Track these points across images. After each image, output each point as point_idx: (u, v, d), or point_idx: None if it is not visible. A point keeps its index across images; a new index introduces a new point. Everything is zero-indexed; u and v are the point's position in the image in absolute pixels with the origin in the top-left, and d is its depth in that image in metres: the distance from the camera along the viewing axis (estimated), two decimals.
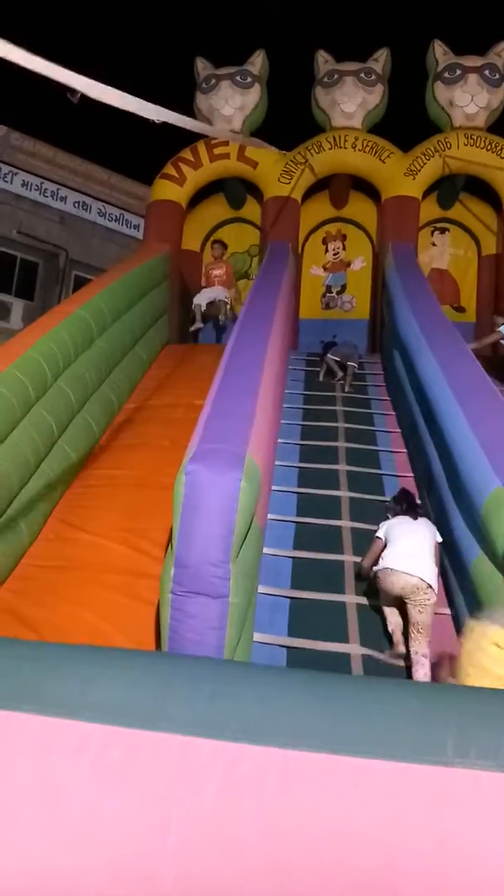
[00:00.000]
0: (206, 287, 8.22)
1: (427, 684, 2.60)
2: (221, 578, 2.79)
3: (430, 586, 3.36)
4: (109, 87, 3.31)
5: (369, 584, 3.71)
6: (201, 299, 7.97)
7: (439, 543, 3.57)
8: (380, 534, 3.63)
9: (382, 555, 3.50)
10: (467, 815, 1.16)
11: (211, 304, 8.00)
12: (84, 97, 3.43)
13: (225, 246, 8.74)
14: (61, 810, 1.21)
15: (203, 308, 7.93)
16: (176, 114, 4.05)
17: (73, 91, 3.38)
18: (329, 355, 6.76)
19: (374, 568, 3.54)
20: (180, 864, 1.18)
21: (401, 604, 3.45)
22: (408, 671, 3.32)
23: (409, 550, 3.43)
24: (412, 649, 3.35)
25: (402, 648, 3.38)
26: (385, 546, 3.53)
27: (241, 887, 1.18)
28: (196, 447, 3.03)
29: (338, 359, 6.73)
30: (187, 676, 1.36)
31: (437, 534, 3.60)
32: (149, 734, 1.25)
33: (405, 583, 3.37)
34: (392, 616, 3.51)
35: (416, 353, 4.89)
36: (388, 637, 3.54)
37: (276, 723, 1.27)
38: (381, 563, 3.48)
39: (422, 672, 3.25)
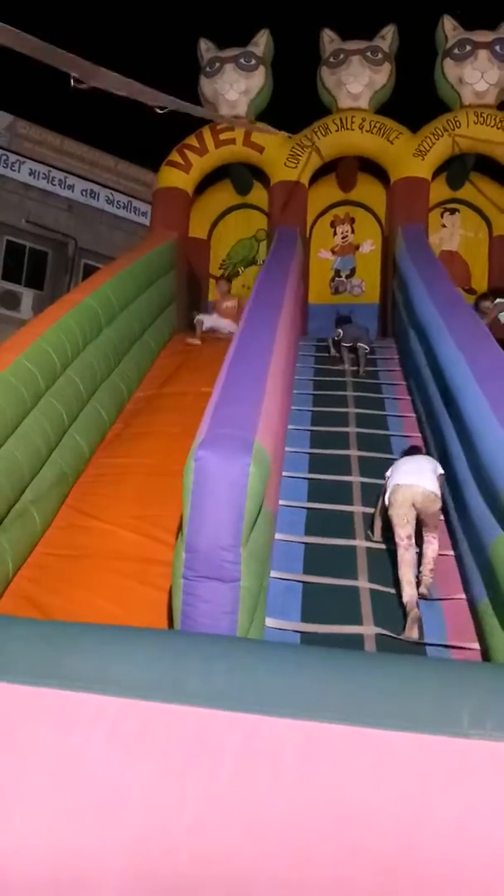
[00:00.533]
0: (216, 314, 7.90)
1: (443, 661, 2.62)
2: (232, 563, 2.81)
3: (435, 494, 3.76)
4: (114, 74, 3.29)
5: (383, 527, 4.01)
6: (207, 320, 7.69)
7: (441, 475, 3.91)
8: (387, 474, 3.99)
9: (387, 485, 3.89)
10: (485, 784, 1.18)
11: (213, 329, 7.72)
12: (89, 84, 3.42)
13: (230, 280, 8.65)
14: (81, 783, 1.23)
15: (204, 328, 7.66)
16: (180, 101, 4.02)
17: (77, 77, 3.38)
18: (342, 343, 6.73)
19: (384, 497, 3.87)
20: (197, 841, 1.19)
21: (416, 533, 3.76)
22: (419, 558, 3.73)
23: (411, 470, 3.86)
24: (424, 537, 3.79)
25: (414, 633, 3.43)
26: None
27: (260, 866, 1.19)
28: (205, 433, 3.04)
29: (349, 344, 6.69)
30: (203, 652, 1.38)
31: (440, 467, 3.96)
32: (165, 706, 1.26)
33: (412, 494, 3.72)
34: (408, 588, 3.58)
35: (434, 335, 4.85)
36: (403, 613, 3.51)
37: (294, 695, 1.27)
38: (388, 489, 3.83)
39: (431, 549, 3.77)
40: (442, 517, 3.87)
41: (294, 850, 1.18)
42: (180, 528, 3.10)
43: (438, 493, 3.76)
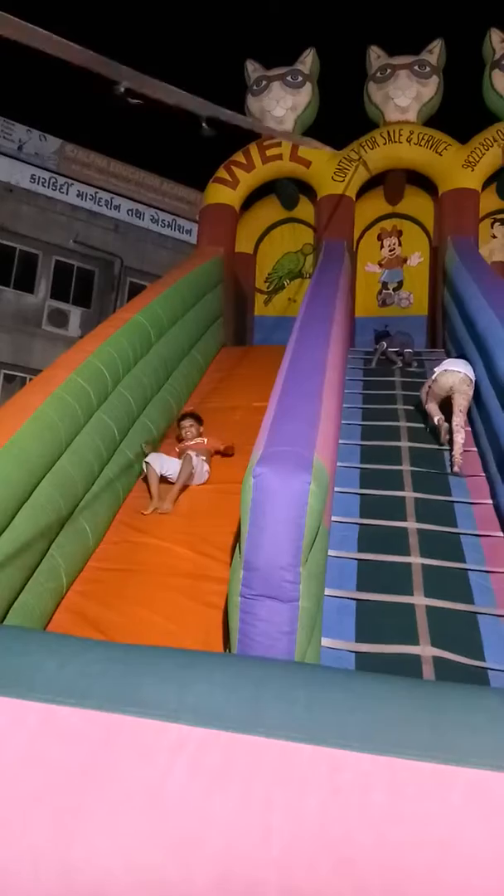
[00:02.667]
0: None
1: None
2: (291, 582, 2.75)
3: (470, 378, 5.03)
4: (164, 84, 3.31)
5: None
6: (160, 463, 4.79)
7: (473, 381, 5.05)
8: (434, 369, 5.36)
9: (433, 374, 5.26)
10: None
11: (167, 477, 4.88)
12: (136, 96, 3.43)
13: (199, 422, 5.44)
14: (164, 813, 1.20)
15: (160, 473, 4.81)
16: (229, 111, 4.02)
17: (123, 88, 3.38)
18: (388, 349, 7.12)
19: (428, 383, 5.31)
20: (285, 872, 1.14)
21: (446, 405, 5.10)
22: (450, 446, 4.93)
23: (450, 365, 5.21)
24: (454, 423, 4.90)
25: (445, 429, 5.00)
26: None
27: None
28: (263, 449, 2.99)
29: (396, 349, 7.01)
30: (283, 681, 1.33)
31: (472, 372, 5.10)
32: (246, 738, 1.23)
33: (452, 379, 5.07)
34: (436, 414, 5.13)
35: (492, 346, 4.73)
36: (457, 627, 3.45)
37: (379, 730, 1.22)
38: (432, 379, 5.24)
39: (460, 437, 4.83)
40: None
41: (387, 888, 1.13)
42: (236, 545, 3.05)
43: (473, 378, 5.04)
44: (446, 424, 5.00)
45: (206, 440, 5.22)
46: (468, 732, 1.22)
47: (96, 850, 1.19)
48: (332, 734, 1.22)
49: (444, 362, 5.34)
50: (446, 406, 5.15)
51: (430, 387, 5.26)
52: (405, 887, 1.13)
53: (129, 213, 16.47)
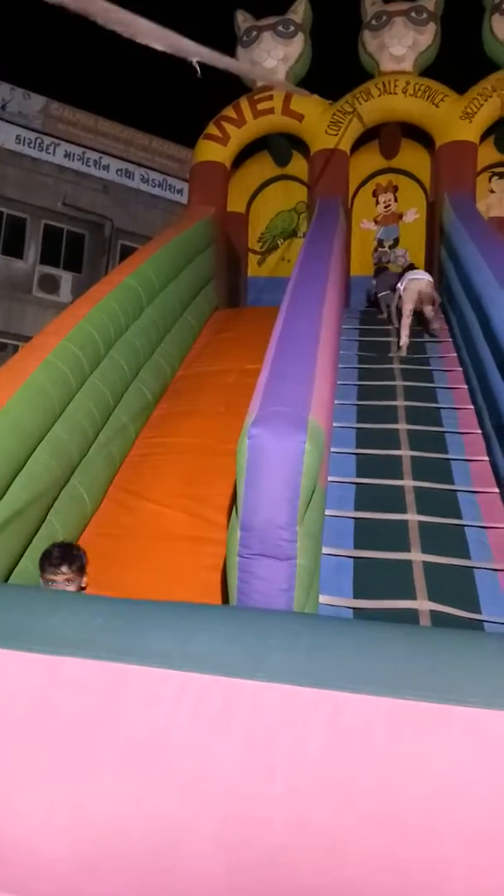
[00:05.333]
0: None
1: None
2: (288, 541, 2.76)
3: (434, 284, 6.41)
4: (152, 24, 3.14)
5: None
6: None
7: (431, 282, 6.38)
8: (400, 284, 6.46)
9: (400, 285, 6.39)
10: None
11: None
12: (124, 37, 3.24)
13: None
14: (169, 756, 1.25)
15: None
16: (221, 55, 3.83)
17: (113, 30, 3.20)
18: (377, 293, 7.38)
19: (399, 290, 6.40)
20: (290, 809, 1.19)
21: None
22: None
23: (414, 274, 6.44)
24: (426, 317, 6.33)
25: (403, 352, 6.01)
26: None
27: (355, 835, 1.18)
28: (258, 410, 2.97)
29: (384, 292, 7.20)
30: (284, 629, 1.37)
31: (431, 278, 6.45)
32: (249, 683, 1.26)
33: (419, 286, 6.26)
34: (406, 319, 6.14)
35: (489, 303, 4.67)
36: (453, 581, 3.51)
37: (380, 672, 1.26)
38: (402, 285, 6.38)
39: (435, 324, 6.35)
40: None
41: (388, 821, 1.18)
42: (233, 506, 3.05)
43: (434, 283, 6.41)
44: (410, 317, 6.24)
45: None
46: (466, 673, 1.25)
47: (107, 791, 1.24)
48: (333, 677, 1.25)
49: (407, 274, 6.52)
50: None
51: (400, 296, 6.39)
52: (405, 821, 1.17)
53: (119, 172, 16.08)
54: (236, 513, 2.90)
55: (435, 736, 1.19)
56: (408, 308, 6.19)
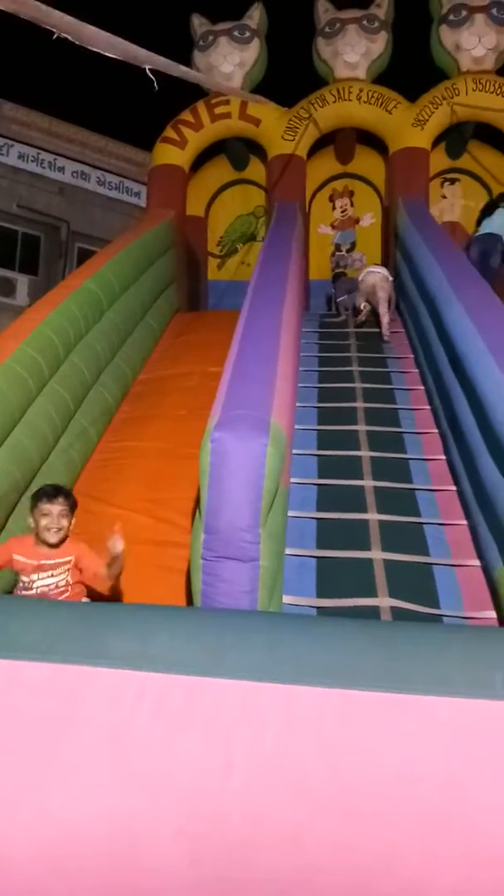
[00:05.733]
0: None
1: (473, 628, 2.68)
2: (251, 543, 2.80)
3: (389, 278, 6.78)
4: (104, 33, 3.15)
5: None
6: None
7: (391, 279, 6.81)
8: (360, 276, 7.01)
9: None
10: None
11: None
12: (75, 45, 3.24)
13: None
14: (131, 754, 1.28)
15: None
16: (174, 63, 3.87)
17: (66, 38, 3.21)
18: (336, 296, 7.65)
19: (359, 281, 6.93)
20: (247, 802, 1.24)
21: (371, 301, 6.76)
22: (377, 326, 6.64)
23: (372, 268, 6.98)
24: (381, 311, 6.58)
25: (367, 311, 6.75)
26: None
27: (310, 826, 1.23)
28: (220, 414, 3.00)
29: (342, 297, 7.47)
30: (241, 627, 1.41)
31: (390, 275, 6.88)
32: (207, 680, 1.31)
33: (374, 279, 6.73)
34: (362, 302, 6.83)
35: (442, 305, 4.80)
36: (413, 578, 3.60)
37: (332, 665, 1.31)
38: (361, 278, 6.92)
39: (386, 318, 6.58)
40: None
41: (342, 810, 1.23)
42: (197, 509, 3.08)
43: (391, 278, 6.82)
44: (368, 307, 6.82)
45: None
46: (415, 663, 1.32)
47: (69, 791, 1.27)
48: (289, 672, 1.30)
49: (367, 268, 7.07)
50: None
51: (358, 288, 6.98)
52: (358, 808, 1.23)
53: (74, 175, 15.89)
54: (200, 516, 2.92)
55: (385, 724, 1.26)
56: (360, 300, 6.87)
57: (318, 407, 5.30)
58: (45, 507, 2.91)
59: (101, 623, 1.43)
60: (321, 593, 3.55)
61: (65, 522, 2.95)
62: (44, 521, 2.89)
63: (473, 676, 1.28)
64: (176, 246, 7.96)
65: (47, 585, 2.88)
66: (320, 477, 4.45)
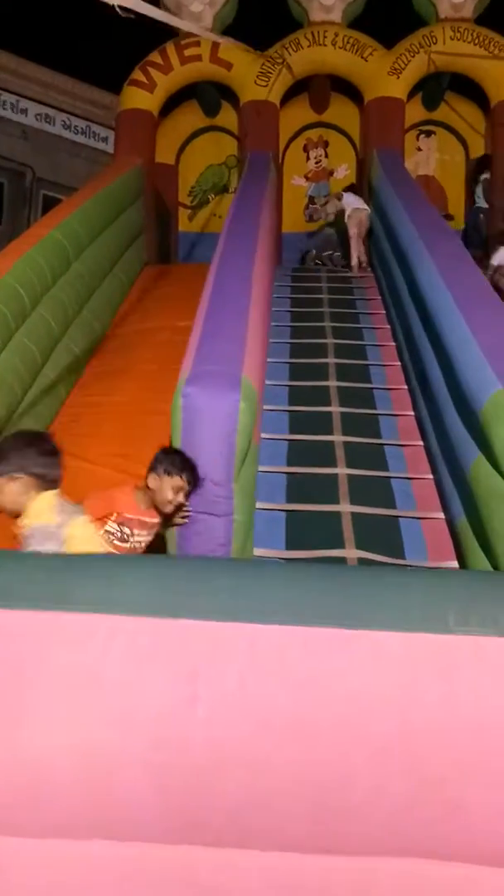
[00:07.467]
0: None
1: (429, 569, 2.83)
2: (225, 498, 2.83)
3: (371, 214, 7.13)
4: None
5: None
6: None
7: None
8: (342, 202, 7.52)
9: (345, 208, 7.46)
10: (469, 671, 1.34)
11: None
12: None
13: None
14: (101, 693, 1.34)
15: None
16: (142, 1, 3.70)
17: None
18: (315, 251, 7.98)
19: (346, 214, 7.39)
20: (210, 731, 1.31)
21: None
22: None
23: (357, 203, 7.39)
24: (352, 247, 7.29)
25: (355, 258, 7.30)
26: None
27: (272, 750, 1.32)
28: (191, 369, 2.99)
29: (325, 252, 7.82)
30: (207, 572, 1.49)
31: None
32: (174, 621, 1.36)
33: (362, 214, 7.24)
34: (354, 241, 7.32)
35: (414, 260, 4.79)
36: (380, 530, 3.70)
37: (294, 605, 1.39)
38: (349, 212, 7.37)
39: (362, 251, 7.30)
40: None
41: (301, 736, 1.32)
42: None
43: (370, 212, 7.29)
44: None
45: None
46: (370, 602, 1.40)
47: (42, 728, 1.34)
48: (252, 612, 1.37)
49: (350, 202, 7.41)
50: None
51: (345, 219, 7.42)
52: (316, 736, 1.32)
53: (39, 118, 15.21)
54: None
55: (342, 657, 1.34)
56: (353, 231, 7.28)
57: (289, 363, 5.30)
58: (180, 482, 2.74)
59: (66, 571, 1.48)
60: (290, 545, 3.62)
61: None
62: (170, 496, 2.73)
63: (427, 614, 1.37)
64: (145, 195, 7.75)
65: (140, 542, 2.81)
66: (291, 432, 4.48)
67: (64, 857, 1.40)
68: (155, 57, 8.22)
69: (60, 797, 1.35)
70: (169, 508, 2.76)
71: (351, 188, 7.89)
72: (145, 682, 1.33)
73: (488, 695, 1.33)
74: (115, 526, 2.78)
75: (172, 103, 8.58)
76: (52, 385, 4.73)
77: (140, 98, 8.18)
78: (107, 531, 2.77)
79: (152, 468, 2.77)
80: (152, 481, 2.74)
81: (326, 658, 1.34)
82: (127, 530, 2.80)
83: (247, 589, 1.43)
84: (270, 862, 1.38)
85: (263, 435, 4.27)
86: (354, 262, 7.26)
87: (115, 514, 2.78)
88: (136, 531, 2.81)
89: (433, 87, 8.25)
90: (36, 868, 1.40)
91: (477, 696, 1.33)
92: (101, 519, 2.77)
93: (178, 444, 2.87)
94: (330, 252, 7.56)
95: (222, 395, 2.82)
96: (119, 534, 2.80)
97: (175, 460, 2.79)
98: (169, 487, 2.72)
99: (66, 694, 1.34)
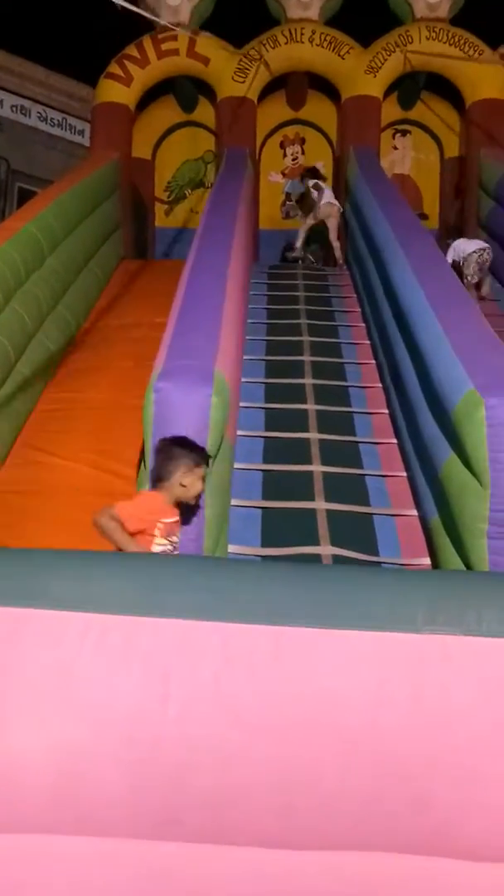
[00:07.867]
0: None
1: (398, 570, 2.85)
2: None
3: (341, 208, 7.38)
4: None
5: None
6: None
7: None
8: (315, 189, 7.51)
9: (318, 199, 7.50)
10: (436, 669, 1.37)
11: None
12: None
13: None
14: (73, 691, 1.35)
15: None
16: None
17: None
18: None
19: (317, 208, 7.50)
20: (183, 728, 1.33)
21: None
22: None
23: (330, 198, 7.43)
24: (332, 238, 7.41)
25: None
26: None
27: (244, 747, 1.33)
28: (164, 364, 2.98)
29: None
30: (180, 570, 1.50)
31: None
32: (147, 620, 1.37)
33: (331, 209, 7.38)
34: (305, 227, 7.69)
35: (389, 259, 4.81)
36: (354, 528, 3.71)
37: (265, 604, 1.40)
38: (321, 204, 7.42)
39: (338, 244, 7.36)
40: None
41: (273, 733, 1.34)
42: (141, 459, 3.08)
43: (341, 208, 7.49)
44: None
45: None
46: (340, 601, 1.42)
47: (14, 725, 1.34)
48: (224, 611, 1.38)
49: (325, 195, 7.48)
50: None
51: (313, 214, 7.57)
52: (286, 731, 1.34)
53: (14, 109, 14.98)
54: (145, 466, 2.93)
55: (312, 656, 1.36)
56: (309, 222, 7.63)
57: (265, 360, 5.31)
58: (201, 470, 2.61)
59: (41, 566, 1.48)
60: (266, 542, 3.63)
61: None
62: (199, 486, 2.61)
63: (396, 613, 1.39)
64: (121, 189, 7.69)
65: (173, 543, 2.68)
66: (267, 430, 4.49)
67: (38, 853, 1.41)
68: (132, 50, 8.16)
69: (33, 794, 1.35)
70: (196, 500, 2.63)
71: (312, 172, 7.78)
72: (118, 679, 1.34)
73: (454, 693, 1.35)
74: (164, 540, 2.63)
75: (149, 97, 8.52)
76: (26, 381, 4.68)
77: (116, 91, 8.11)
78: (158, 544, 2.60)
79: (174, 466, 2.58)
80: (185, 478, 2.57)
81: (297, 656, 1.36)
82: (175, 539, 2.69)
83: (219, 588, 1.44)
84: (244, 856, 1.40)
85: (239, 432, 4.27)
86: (339, 254, 7.43)
87: (156, 528, 2.61)
88: (175, 535, 2.69)
89: (409, 86, 8.30)
90: (8, 864, 1.41)
91: (443, 694, 1.35)
92: (141, 532, 2.62)
93: (150, 439, 2.86)
94: (314, 247, 7.61)
95: (194, 390, 2.81)
96: (170, 547, 2.67)
97: (195, 448, 2.63)
98: (199, 478, 2.60)
99: (38, 691, 1.34)
